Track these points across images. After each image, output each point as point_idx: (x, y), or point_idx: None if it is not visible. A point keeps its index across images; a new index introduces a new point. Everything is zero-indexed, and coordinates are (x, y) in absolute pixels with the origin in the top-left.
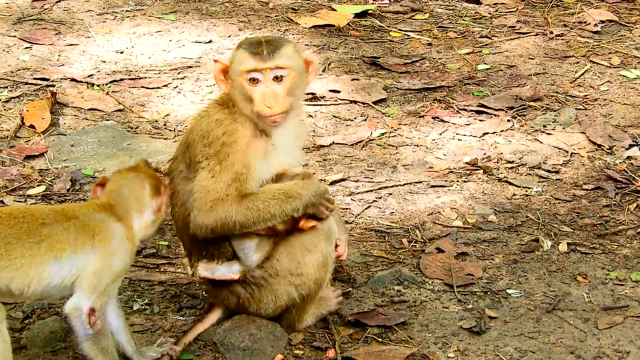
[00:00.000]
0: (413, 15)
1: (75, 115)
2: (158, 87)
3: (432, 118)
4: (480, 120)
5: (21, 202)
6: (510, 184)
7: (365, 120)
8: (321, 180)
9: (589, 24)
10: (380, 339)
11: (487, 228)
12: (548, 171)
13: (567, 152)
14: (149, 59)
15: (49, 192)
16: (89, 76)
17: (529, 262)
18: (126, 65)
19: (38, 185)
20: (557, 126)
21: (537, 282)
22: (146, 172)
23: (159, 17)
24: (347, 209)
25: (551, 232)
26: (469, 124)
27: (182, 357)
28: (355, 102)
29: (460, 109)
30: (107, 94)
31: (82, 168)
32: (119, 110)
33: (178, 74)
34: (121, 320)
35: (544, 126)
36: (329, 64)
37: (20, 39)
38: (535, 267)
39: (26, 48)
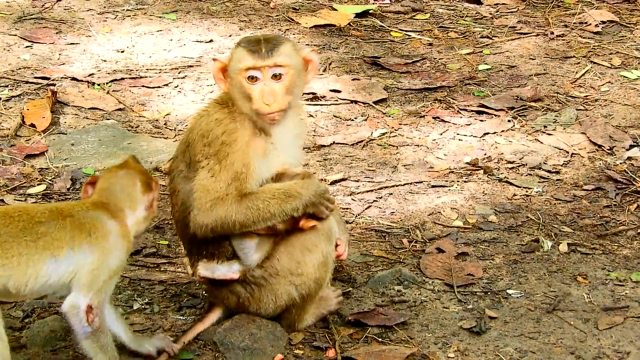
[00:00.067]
0: (414, 15)
1: (76, 114)
2: (159, 87)
3: (433, 118)
4: (481, 121)
5: (21, 201)
6: (511, 184)
7: (365, 120)
8: (322, 180)
9: (590, 24)
10: (380, 339)
11: (487, 228)
12: (548, 171)
13: (567, 152)
14: (150, 58)
15: (49, 191)
16: (89, 75)
17: (529, 263)
18: (127, 64)
19: (38, 184)
20: (558, 126)
21: (537, 282)
22: (136, 168)
23: (160, 17)
24: (347, 208)
25: (551, 233)
26: (469, 124)
27: (181, 356)
28: (355, 102)
29: (461, 109)
30: (108, 93)
31: (82, 167)
32: (120, 109)
33: (179, 73)
34: (113, 311)
35: (545, 126)
36: (330, 64)
37: (21, 37)
38: (536, 268)
39: (27, 47)
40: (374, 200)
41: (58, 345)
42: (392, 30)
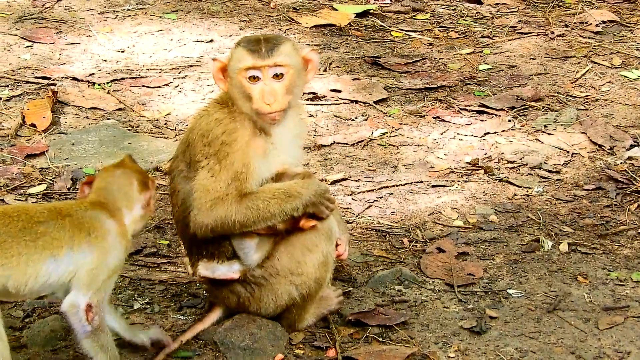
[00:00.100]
0: (414, 15)
1: (76, 114)
2: (159, 86)
3: (433, 118)
4: (481, 120)
5: (22, 200)
6: (511, 184)
7: (366, 120)
8: (322, 179)
9: (590, 24)
10: (380, 339)
11: (487, 228)
12: (549, 171)
13: (568, 152)
14: (150, 58)
15: (49, 191)
16: (90, 75)
17: (529, 262)
18: (127, 64)
19: (39, 184)
20: (558, 126)
21: (537, 282)
22: (132, 167)
23: (160, 16)
24: (348, 208)
25: (552, 232)
26: (470, 124)
27: (181, 354)
28: (356, 101)
29: (461, 109)
30: (108, 92)
31: (83, 167)
32: (120, 109)
33: (179, 73)
34: (106, 303)
35: (545, 126)
36: (330, 64)
37: (22, 37)
38: (536, 267)
39: (27, 47)
40: (375, 200)
41: (58, 345)
42: (392, 30)
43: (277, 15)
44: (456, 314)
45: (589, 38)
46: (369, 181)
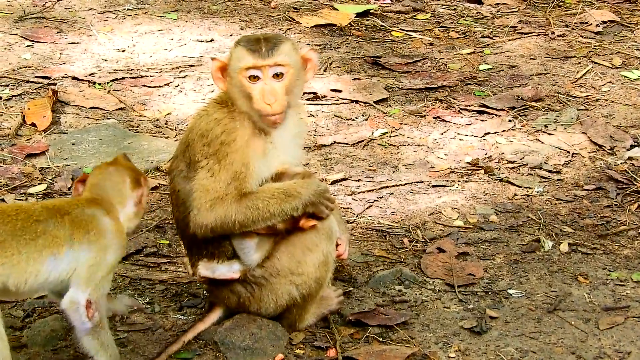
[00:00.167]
0: (415, 15)
1: (77, 114)
2: (159, 86)
3: (434, 118)
4: (482, 120)
5: (22, 200)
6: (512, 184)
7: (366, 119)
8: (322, 179)
9: (591, 24)
10: (381, 339)
11: (488, 228)
12: (549, 171)
13: (568, 152)
14: (151, 58)
15: (50, 191)
16: (90, 75)
17: (530, 262)
18: (127, 63)
19: (39, 184)
20: (559, 126)
21: (538, 282)
22: (125, 165)
23: (161, 16)
24: (348, 208)
25: (552, 233)
26: (470, 124)
27: (181, 355)
28: (356, 101)
29: (462, 109)
30: (109, 92)
31: (83, 167)
32: (120, 108)
33: (179, 72)
34: (104, 300)
35: (545, 126)
36: (331, 64)
37: (22, 37)
38: (536, 267)
39: (28, 46)
40: (375, 200)
41: (59, 345)
42: (393, 30)
43: (278, 15)
44: (456, 314)
45: (589, 38)
46: (369, 181)
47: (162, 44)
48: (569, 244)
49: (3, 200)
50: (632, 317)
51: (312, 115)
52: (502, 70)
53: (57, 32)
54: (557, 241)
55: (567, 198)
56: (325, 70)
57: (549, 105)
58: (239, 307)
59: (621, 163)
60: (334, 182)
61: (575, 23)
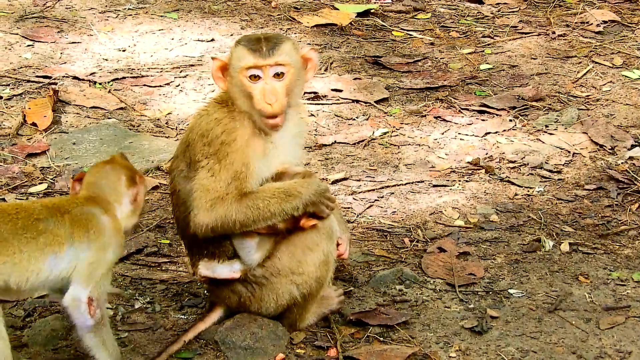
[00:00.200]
0: (415, 15)
1: (77, 113)
2: (160, 86)
3: (434, 117)
4: (483, 120)
5: (23, 200)
6: (512, 183)
7: (367, 119)
8: (323, 179)
9: (591, 24)
10: (381, 339)
11: (488, 228)
12: (550, 171)
13: (569, 152)
14: (151, 57)
15: (50, 190)
16: (91, 74)
17: (530, 262)
18: (128, 63)
19: (40, 183)
20: (559, 126)
21: (538, 282)
22: (121, 163)
23: (161, 16)
24: (349, 208)
25: (553, 232)
26: (471, 124)
27: (182, 355)
28: (357, 101)
29: (463, 109)
30: (109, 92)
31: (83, 166)
32: (121, 108)
33: (180, 72)
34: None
35: (546, 126)
36: (331, 63)
37: (23, 36)
38: (537, 267)
39: (28, 46)
40: (376, 200)
41: (59, 345)
42: (393, 30)
43: (278, 15)
44: (457, 313)
45: (590, 38)
46: (370, 181)
47: (163, 44)
48: (569, 243)
49: (4, 199)
50: (632, 316)
51: (312, 115)
52: (503, 70)
53: (58, 32)
54: (558, 241)
55: (567, 198)
56: (326, 69)
57: (550, 105)
58: (239, 306)
59: (622, 163)
60: (335, 182)
61: (576, 23)
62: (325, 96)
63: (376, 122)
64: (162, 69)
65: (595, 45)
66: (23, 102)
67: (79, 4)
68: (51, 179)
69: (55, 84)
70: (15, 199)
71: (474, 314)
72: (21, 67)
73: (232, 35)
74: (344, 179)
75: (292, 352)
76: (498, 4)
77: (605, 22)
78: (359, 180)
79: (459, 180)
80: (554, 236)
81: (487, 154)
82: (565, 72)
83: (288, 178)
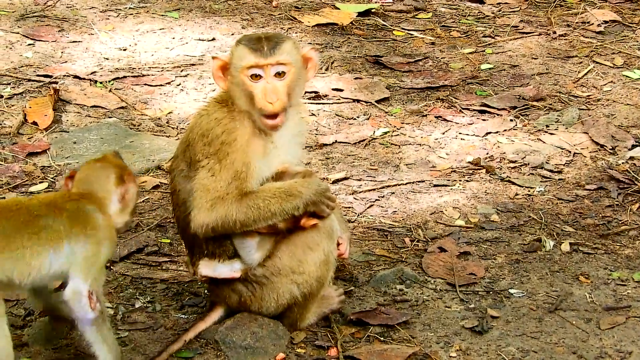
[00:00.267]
0: (416, 15)
1: (78, 113)
2: (161, 85)
3: (435, 117)
4: (483, 120)
5: None
6: (513, 183)
7: (368, 119)
8: (324, 179)
9: (592, 24)
10: (382, 338)
11: (489, 227)
12: (551, 171)
13: (569, 152)
14: (152, 57)
15: (51, 189)
16: (91, 73)
17: (531, 262)
18: (129, 62)
19: (40, 183)
20: (560, 126)
21: (539, 282)
22: (112, 162)
23: (162, 15)
24: (349, 207)
25: (553, 232)
26: (471, 124)
27: (182, 354)
28: (358, 100)
29: (463, 109)
30: (110, 91)
31: None
32: (122, 107)
33: (181, 71)
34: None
35: (547, 126)
36: (332, 63)
37: (24, 35)
38: (538, 267)
39: (29, 45)
40: (376, 199)
41: (60, 344)
42: (394, 29)
43: (279, 14)
44: (458, 313)
45: (591, 38)
46: (371, 180)
47: (164, 43)
48: (570, 243)
49: (4, 199)
50: (633, 317)
51: (313, 115)
52: (504, 70)
53: (59, 31)
54: (559, 241)
55: (568, 198)
56: (326, 69)
57: (551, 104)
58: (240, 306)
59: (622, 163)
60: (335, 182)
61: (576, 23)
62: (326, 95)
63: (377, 121)
64: (162, 68)
65: (596, 45)
66: (24, 101)
67: (79, 3)
68: (52, 178)
69: (56, 83)
70: None
71: (474, 314)
72: (22, 66)
73: (233, 34)
74: (345, 178)
75: (293, 352)
76: (499, 3)
77: (606, 22)
78: (359, 180)
79: (460, 180)
80: (555, 236)
81: (487, 153)
82: (566, 72)
83: (288, 178)
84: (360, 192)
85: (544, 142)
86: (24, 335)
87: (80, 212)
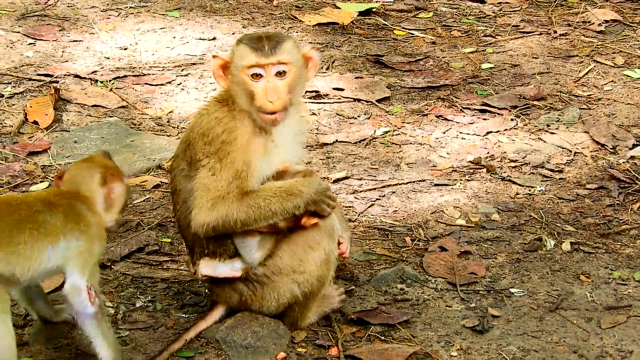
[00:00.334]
0: (417, 14)
1: (79, 112)
2: (161, 84)
3: (436, 116)
4: (484, 119)
5: None
6: (514, 183)
7: (368, 118)
8: (324, 178)
9: (593, 23)
10: (383, 337)
11: (490, 227)
12: (551, 170)
13: (570, 151)
14: (153, 56)
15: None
16: (92, 72)
17: (532, 261)
18: (130, 61)
19: (41, 182)
20: (561, 125)
21: (540, 281)
22: (98, 162)
23: (163, 14)
24: (350, 207)
25: (554, 232)
26: (472, 123)
27: (183, 354)
28: (358, 100)
29: (464, 108)
30: (111, 90)
31: None
32: (123, 106)
33: (182, 70)
34: (37, 287)
35: (548, 125)
36: (333, 62)
37: (24, 34)
38: (539, 266)
39: (30, 44)
40: (377, 199)
41: (60, 343)
42: (395, 29)
43: (280, 14)
44: (458, 312)
45: (591, 37)
46: (372, 180)
47: (165, 42)
48: (571, 243)
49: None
50: (634, 316)
51: (314, 114)
52: (505, 69)
53: (60, 30)
54: (559, 240)
55: (569, 197)
56: (327, 68)
57: (551, 104)
58: (240, 305)
59: (623, 162)
60: (336, 181)
61: (577, 22)
62: (327, 95)
63: (377, 121)
64: (163, 67)
65: (597, 45)
66: (24, 101)
67: (80, 2)
68: (52, 177)
69: (57, 82)
70: None
71: (475, 313)
72: (22, 66)
73: (233, 33)
74: (346, 177)
75: (293, 351)
76: (500, 3)
77: (606, 21)
78: (360, 179)
79: (461, 180)
80: (555, 235)
81: (488, 153)
82: (567, 71)
83: (289, 177)
84: (361, 192)
85: (544, 142)
86: (24, 334)
87: (74, 209)
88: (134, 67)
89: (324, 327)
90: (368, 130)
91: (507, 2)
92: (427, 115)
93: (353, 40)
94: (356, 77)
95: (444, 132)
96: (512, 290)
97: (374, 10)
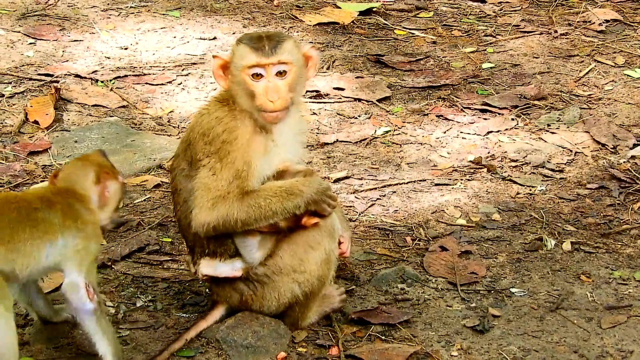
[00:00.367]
0: (417, 14)
1: (79, 111)
2: (162, 84)
3: (436, 116)
4: (485, 119)
5: None
6: (514, 182)
7: (369, 118)
8: (325, 178)
9: (594, 23)
10: (383, 337)
11: (490, 227)
12: (552, 170)
13: (571, 151)
14: (153, 56)
15: None
16: (93, 72)
17: (532, 261)
18: (130, 61)
19: (41, 181)
20: (561, 125)
21: (540, 281)
22: (93, 160)
23: (164, 14)
24: (350, 206)
25: (555, 231)
26: (473, 123)
27: (183, 353)
28: (359, 99)
29: (465, 108)
30: (111, 90)
31: None
32: (123, 106)
33: (182, 70)
34: (37, 287)
35: (548, 125)
36: (333, 62)
37: (25, 34)
38: (539, 266)
39: (30, 44)
40: (378, 198)
41: (61, 343)
42: (395, 28)
43: (280, 13)
44: (459, 312)
45: (592, 37)
46: (372, 179)
47: (165, 42)
48: (571, 242)
49: None
50: (634, 316)
51: (314, 114)
52: (505, 69)
53: (60, 30)
54: (560, 240)
55: (569, 197)
56: (328, 68)
57: (552, 103)
58: (241, 305)
59: (624, 162)
60: (337, 180)
61: (578, 22)
62: (328, 94)
63: (378, 120)
64: (164, 67)
65: (598, 44)
66: (25, 100)
67: (81, 2)
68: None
69: (57, 82)
70: None
71: (475, 313)
72: (23, 65)
73: (234, 33)
74: (346, 177)
75: (294, 351)
76: (500, 2)
77: (607, 21)
78: (360, 179)
79: (461, 179)
80: (556, 235)
81: (489, 152)
82: (568, 71)
83: (289, 176)
84: (361, 191)
85: (545, 141)
86: (25, 334)
87: (72, 206)
88: (134, 67)
89: (324, 326)
90: (368, 129)
91: (507, 2)
92: (427, 115)
93: (353, 40)
94: (357, 77)
95: (445, 132)
96: (513, 290)
97: (374, 9)
